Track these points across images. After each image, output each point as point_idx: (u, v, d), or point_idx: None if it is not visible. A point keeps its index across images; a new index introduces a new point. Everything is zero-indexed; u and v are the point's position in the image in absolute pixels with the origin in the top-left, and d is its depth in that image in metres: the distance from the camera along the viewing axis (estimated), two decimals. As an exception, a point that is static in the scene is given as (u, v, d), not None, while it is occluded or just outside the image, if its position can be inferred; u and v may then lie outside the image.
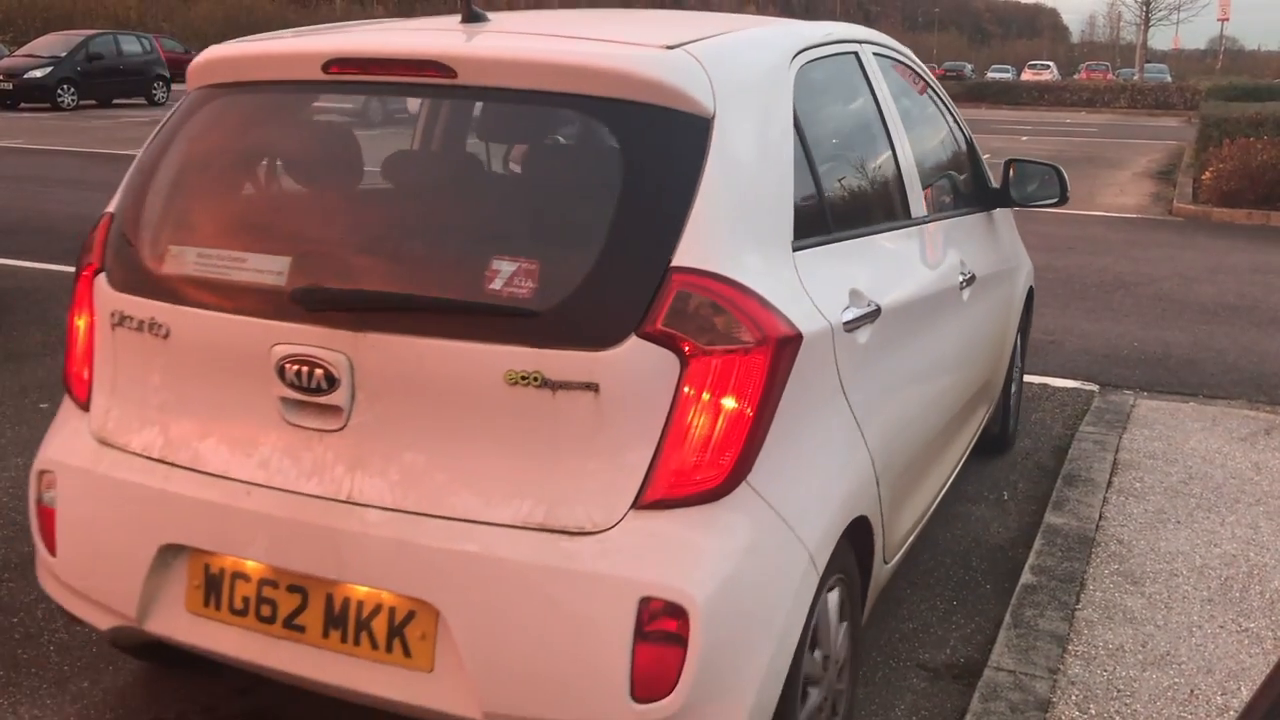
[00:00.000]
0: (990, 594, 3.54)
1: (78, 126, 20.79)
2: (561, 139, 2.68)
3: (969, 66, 63.10)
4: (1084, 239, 10.28)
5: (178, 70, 35.39)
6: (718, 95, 2.28)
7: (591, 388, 2.10)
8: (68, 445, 2.58)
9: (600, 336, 2.10)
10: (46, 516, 2.59)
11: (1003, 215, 4.42)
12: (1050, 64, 65.88)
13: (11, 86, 24.45)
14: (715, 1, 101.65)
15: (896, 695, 2.97)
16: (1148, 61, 53.62)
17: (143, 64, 27.05)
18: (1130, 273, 8.75)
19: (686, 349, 2.10)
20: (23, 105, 24.64)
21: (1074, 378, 5.87)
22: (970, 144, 4.21)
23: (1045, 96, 37.08)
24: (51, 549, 2.58)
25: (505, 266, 2.18)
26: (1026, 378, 5.66)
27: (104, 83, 25.99)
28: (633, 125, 2.24)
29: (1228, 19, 50.04)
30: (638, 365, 2.10)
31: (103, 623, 2.55)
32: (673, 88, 2.24)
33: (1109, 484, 4.29)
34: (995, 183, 4.21)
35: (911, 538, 3.14)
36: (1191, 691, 2.91)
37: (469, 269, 2.23)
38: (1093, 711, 2.80)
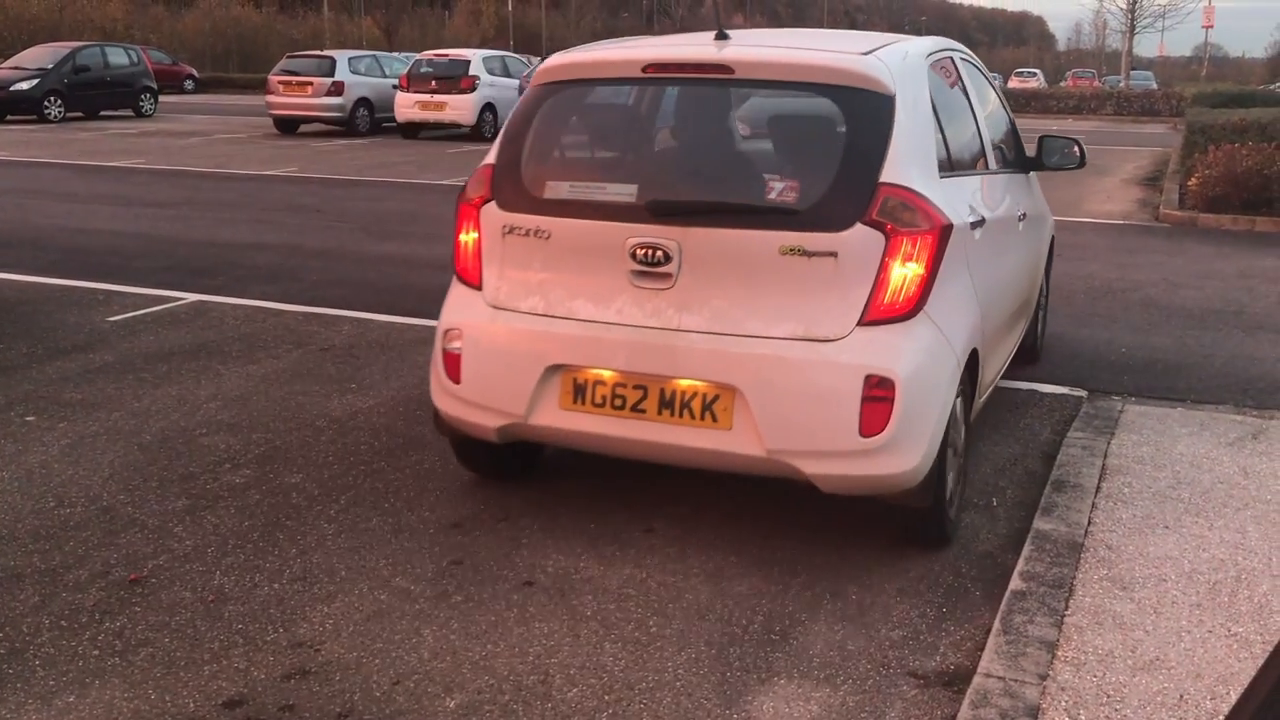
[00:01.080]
0: (980, 600, 3.54)
1: (64, 139, 20.72)
2: (803, 109, 4.11)
3: (956, 74, 63.09)
4: (1072, 245, 10.29)
5: (165, 82, 35.40)
6: (896, 82, 3.73)
7: (833, 254, 3.52)
8: (467, 312, 3.96)
9: (838, 223, 3.53)
10: (452, 359, 3.94)
11: (1034, 178, 5.73)
12: (1037, 71, 66.16)
13: (-2, 99, 24.36)
14: (705, 12, 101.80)
15: (887, 703, 2.97)
16: (1133, 68, 53.80)
17: (130, 76, 26.92)
18: (1118, 279, 8.78)
19: (889, 230, 3.52)
20: (9, 118, 24.54)
21: (1062, 383, 5.88)
22: (1012, 123, 5.59)
23: (1032, 104, 37.17)
24: (456, 380, 3.93)
25: (778, 183, 3.73)
26: (1014, 384, 5.77)
27: (91, 95, 25.87)
28: (849, 100, 3.71)
29: (1212, 26, 50.31)
30: (860, 241, 3.52)
31: (494, 422, 3.87)
32: (873, 78, 3.70)
33: (1097, 489, 4.29)
34: (1030, 153, 5.47)
35: (989, 391, 4.63)
36: (1181, 696, 2.91)
37: (755, 185, 3.81)
38: (1082, 717, 2.80)
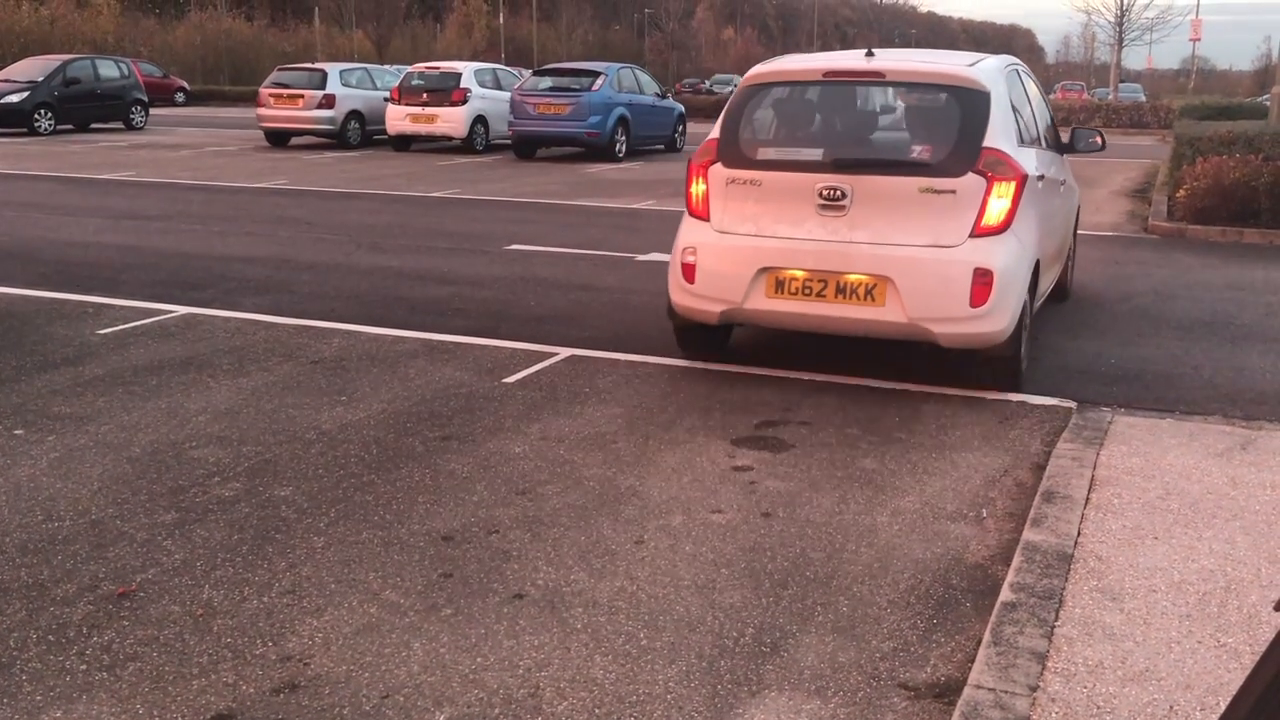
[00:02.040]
0: (970, 612, 3.54)
1: (54, 151, 20.68)
2: (932, 101, 6.06)
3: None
4: (1061, 257, 10.31)
5: (156, 95, 35.32)
6: (990, 84, 5.69)
7: (953, 192, 5.43)
8: (699, 235, 5.88)
9: (956, 172, 5.45)
10: (688, 267, 5.86)
11: (1066, 159, 7.52)
12: (1026, 84, 66.21)
13: (-13, 112, 24.29)
14: (695, 25, 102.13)
15: (877, 715, 2.97)
16: (1122, 81, 53.94)
17: (121, 88, 26.86)
18: (1107, 290, 8.81)
19: (989, 177, 5.43)
20: (-1, 130, 24.51)
21: (1051, 394, 5.89)
22: (1052, 117, 7.46)
23: (1021, 116, 37.19)
24: (691, 281, 5.86)
25: (917, 147, 5.76)
26: (1003, 395, 5.85)
27: (81, 107, 25.79)
28: (962, 95, 5.67)
29: (1199, 39, 50.39)
30: (971, 184, 5.42)
31: (717, 308, 5.82)
32: (977, 80, 5.68)
33: (1087, 500, 4.30)
34: (1065, 139, 7.43)
35: (1039, 302, 6.47)
36: (1171, 707, 2.91)
37: (901, 148, 5.91)
38: (1073, 729, 2.79)
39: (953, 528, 4.19)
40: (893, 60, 6.01)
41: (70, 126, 25.78)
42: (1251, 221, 11.67)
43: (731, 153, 5.89)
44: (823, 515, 4.28)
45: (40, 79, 24.97)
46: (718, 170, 5.86)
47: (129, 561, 3.81)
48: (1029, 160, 5.81)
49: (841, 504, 4.39)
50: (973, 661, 3.14)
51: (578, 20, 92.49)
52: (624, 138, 19.90)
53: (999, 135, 5.57)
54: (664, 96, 22.08)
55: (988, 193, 5.44)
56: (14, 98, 24.46)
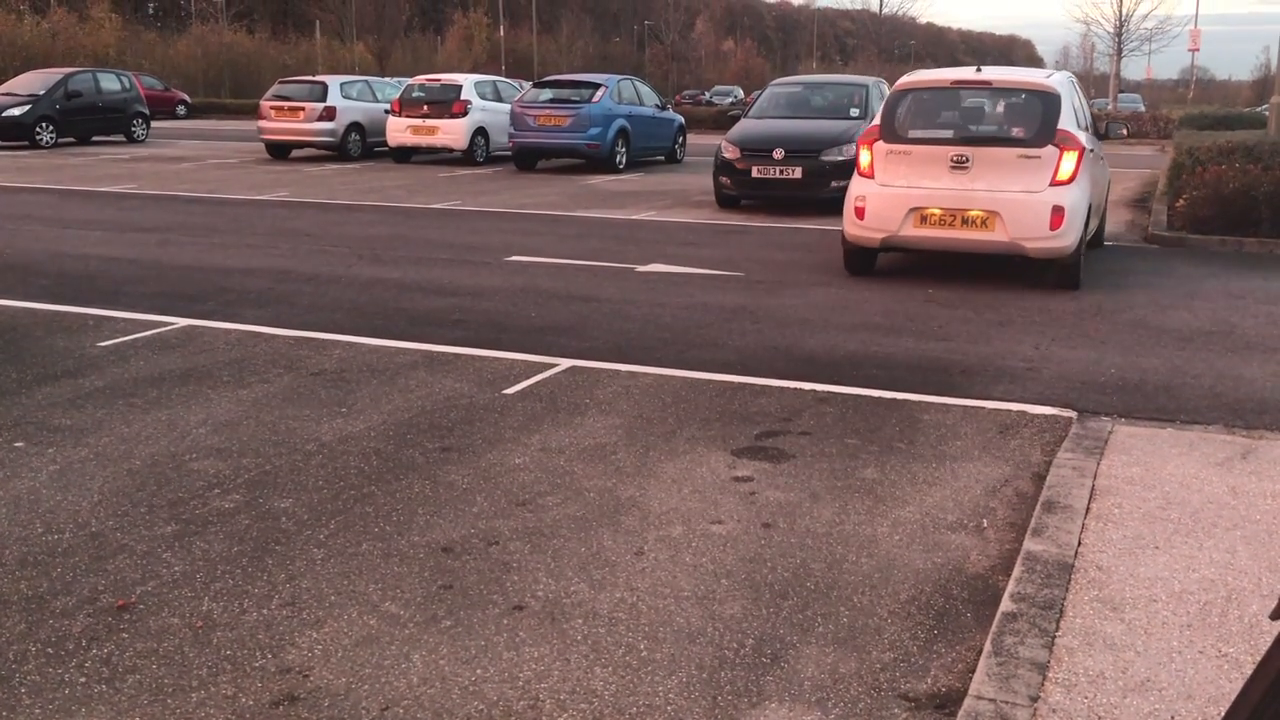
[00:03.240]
0: (971, 622, 3.54)
1: (56, 164, 20.72)
2: (1023, 99, 9.45)
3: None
4: (1060, 267, 10.31)
5: (158, 108, 35.38)
6: (1060, 88, 9.28)
7: (1038, 157, 8.89)
8: (867, 188, 9.25)
9: (1040, 144, 8.92)
10: (859, 209, 9.25)
11: (1100, 143, 10.57)
12: (1026, 94, 66.20)
13: (-11, 125, 24.30)
14: (695, 37, 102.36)
15: (878, 726, 2.96)
16: (1121, 91, 54.02)
17: (122, 101, 26.88)
18: (1107, 299, 8.81)
19: (1061, 147, 8.87)
20: (1, 144, 24.53)
21: (1052, 404, 5.89)
22: (1091, 113, 10.53)
23: (1021, 126, 37.16)
24: (861, 218, 9.24)
25: (1014, 129, 9.33)
26: (1003, 405, 5.85)
27: (83, 120, 25.80)
28: (1044, 96, 9.18)
29: (1198, 49, 50.46)
30: (1050, 152, 8.89)
31: (879, 236, 9.22)
32: (1053, 86, 9.26)
33: (1088, 510, 4.30)
34: (1100, 128, 10.74)
35: (1089, 236, 9.47)
36: (1172, 718, 2.90)
37: (1004, 129, 9.52)
38: (1074, 739, 2.79)
39: (953, 538, 4.19)
40: (995, 73, 9.70)
41: (72, 139, 25.81)
42: (1251, 231, 11.67)
43: (889, 133, 9.20)
44: (823, 526, 4.28)
45: (42, 92, 24.99)
46: (879, 145, 9.18)
47: (128, 574, 3.81)
48: (1084, 138, 9.01)
49: (842, 514, 4.39)
50: (973, 672, 3.13)
51: (578, 32, 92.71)
52: (624, 149, 19.92)
53: (1067, 121, 8.85)
54: (664, 108, 22.09)
55: (1060, 158, 8.69)
56: (16, 111, 24.48)
